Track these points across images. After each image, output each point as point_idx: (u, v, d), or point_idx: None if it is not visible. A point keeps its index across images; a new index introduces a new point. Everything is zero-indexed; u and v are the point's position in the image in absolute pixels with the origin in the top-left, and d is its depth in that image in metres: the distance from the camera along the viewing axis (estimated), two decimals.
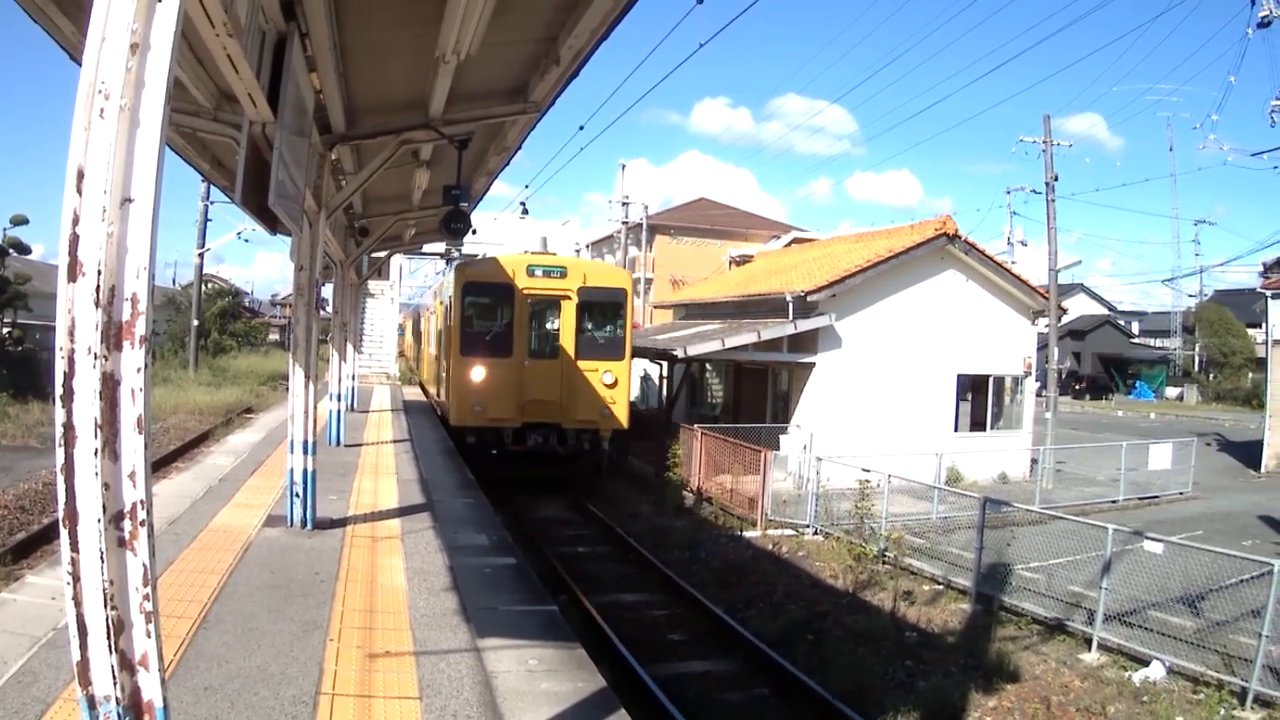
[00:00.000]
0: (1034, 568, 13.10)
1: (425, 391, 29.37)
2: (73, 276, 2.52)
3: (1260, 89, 74.40)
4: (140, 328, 2.59)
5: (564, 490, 18.78)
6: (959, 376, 23.51)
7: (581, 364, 17.98)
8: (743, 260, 38.43)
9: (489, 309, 18.50)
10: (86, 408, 2.54)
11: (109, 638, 2.58)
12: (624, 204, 42.49)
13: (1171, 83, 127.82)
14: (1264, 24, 23.67)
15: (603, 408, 18.03)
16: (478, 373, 17.45)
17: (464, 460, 15.33)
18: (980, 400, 24.63)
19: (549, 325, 18.54)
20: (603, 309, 18.70)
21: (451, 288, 18.67)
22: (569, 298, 18.07)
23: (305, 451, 9.14)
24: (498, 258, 19.78)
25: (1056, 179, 26.52)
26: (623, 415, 18.34)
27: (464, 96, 9.22)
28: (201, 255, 40.38)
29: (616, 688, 5.62)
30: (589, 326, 18.43)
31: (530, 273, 18.05)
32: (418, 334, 35.82)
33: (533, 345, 18.20)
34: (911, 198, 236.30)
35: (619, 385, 18.24)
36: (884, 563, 14.24)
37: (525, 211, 30.03)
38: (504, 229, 40.90)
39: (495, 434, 17.74)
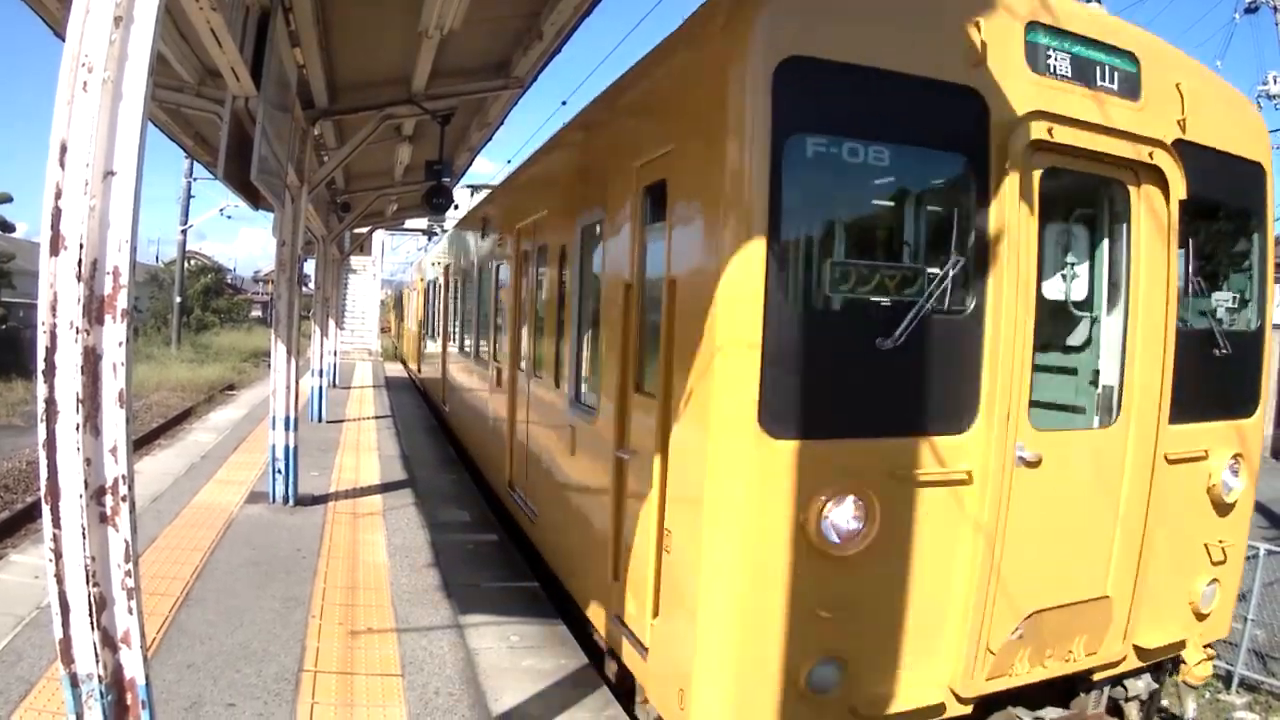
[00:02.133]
0: None
1: (407, 367, 29.16)
2: (55, 250, 2.51)
3: (1247, 74, 74.72)
4: (122, 301, 2.58)
5: None
6: None
7: (1175, 432, 4.59)
8: None
9: (883, 213, 4.30)
10: (68, 382, 2.53)
11: (91, 615, 2.58)
12: None
13: None
14: (1251, 9, 23.74)
15: (1202, 586, 5.00)
16: (843, 522, 3.64)
17: None
18: None
19: (1082, 284, 4.97)
20: (1220, 227, 5.23)
21: (694, 123, 4.03)
22: (1156, 172, 4.38)
23: (287, 427, 9.11)
24: None
25: None
26: (1228, 600, 5.30)
27: (447, 72, 9.18)
28: (184, 231, 40.08)
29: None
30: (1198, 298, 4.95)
31: (1039, 64, 4.07)
32: (400, 310, 35.38)
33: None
34: None
35: (1240, 503, 5.05)
36: None
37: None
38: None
39: None
